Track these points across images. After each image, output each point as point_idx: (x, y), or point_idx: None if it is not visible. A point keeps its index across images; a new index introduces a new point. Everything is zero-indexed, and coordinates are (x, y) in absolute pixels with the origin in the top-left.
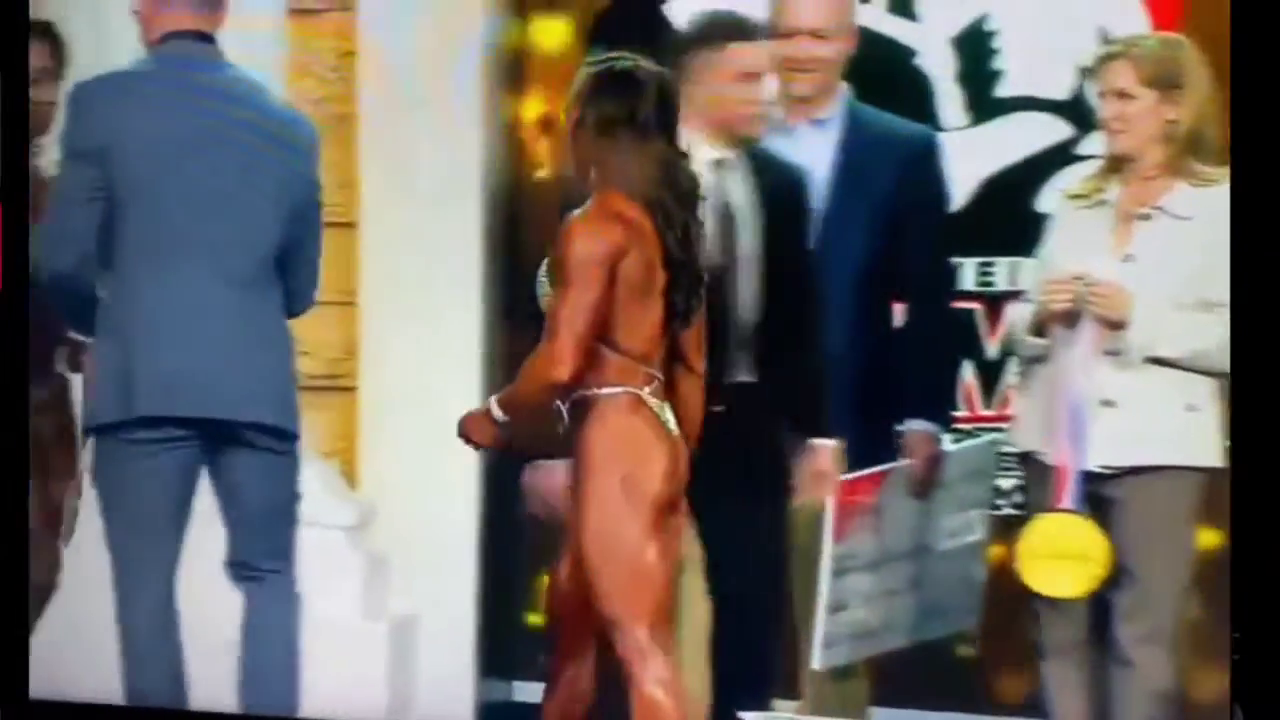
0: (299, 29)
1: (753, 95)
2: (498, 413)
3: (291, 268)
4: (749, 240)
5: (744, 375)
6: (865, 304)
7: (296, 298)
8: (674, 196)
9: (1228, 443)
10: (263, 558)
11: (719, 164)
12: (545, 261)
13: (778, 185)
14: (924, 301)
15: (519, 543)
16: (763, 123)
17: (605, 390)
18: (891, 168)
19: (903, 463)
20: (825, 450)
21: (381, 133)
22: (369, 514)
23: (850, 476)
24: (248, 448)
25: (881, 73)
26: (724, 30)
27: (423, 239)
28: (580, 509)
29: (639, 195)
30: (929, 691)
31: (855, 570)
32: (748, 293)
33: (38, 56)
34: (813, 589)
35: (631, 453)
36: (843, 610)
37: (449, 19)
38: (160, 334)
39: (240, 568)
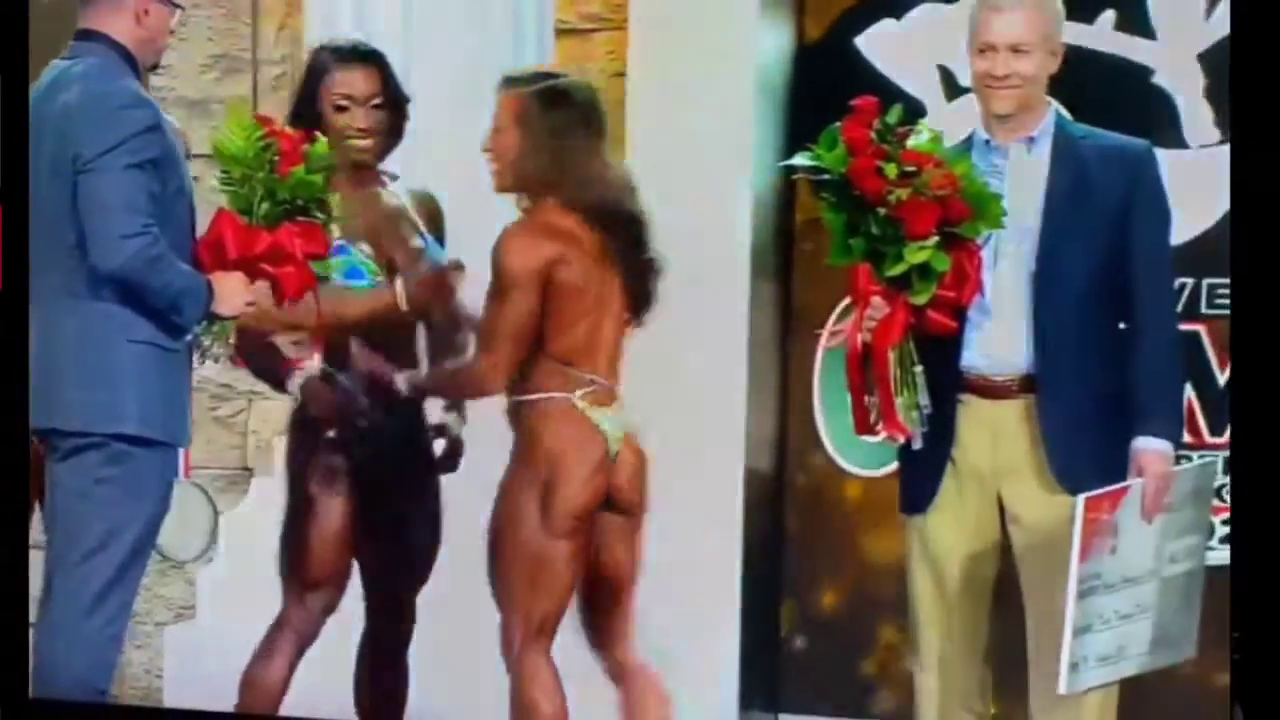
0: (566, 49)
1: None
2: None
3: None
4: None
5: None
6: (1088, 323)
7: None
8: (616, 199)
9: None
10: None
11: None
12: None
13: None
14: (1156, 319)
15: (783, 567)
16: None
17: (534, 396)
18: (1110, 183)
19: (1137, 481)
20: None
21: (649, 158)
22: None
23: (1094, 494)
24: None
25: (1113, 92)
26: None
27: (688, 265)
28: (497, 502)
29: (580, 203)
30: None
31: (1099, 591)
32: None
33: None
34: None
35: (554, 460)
36: (1087, 633)
37: (722, 37)
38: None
39: None
